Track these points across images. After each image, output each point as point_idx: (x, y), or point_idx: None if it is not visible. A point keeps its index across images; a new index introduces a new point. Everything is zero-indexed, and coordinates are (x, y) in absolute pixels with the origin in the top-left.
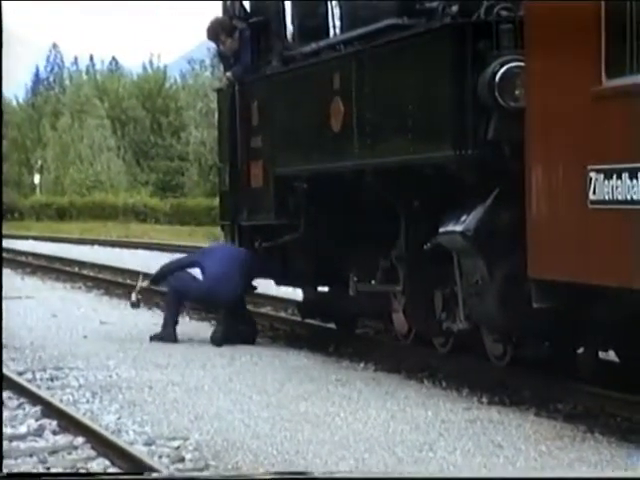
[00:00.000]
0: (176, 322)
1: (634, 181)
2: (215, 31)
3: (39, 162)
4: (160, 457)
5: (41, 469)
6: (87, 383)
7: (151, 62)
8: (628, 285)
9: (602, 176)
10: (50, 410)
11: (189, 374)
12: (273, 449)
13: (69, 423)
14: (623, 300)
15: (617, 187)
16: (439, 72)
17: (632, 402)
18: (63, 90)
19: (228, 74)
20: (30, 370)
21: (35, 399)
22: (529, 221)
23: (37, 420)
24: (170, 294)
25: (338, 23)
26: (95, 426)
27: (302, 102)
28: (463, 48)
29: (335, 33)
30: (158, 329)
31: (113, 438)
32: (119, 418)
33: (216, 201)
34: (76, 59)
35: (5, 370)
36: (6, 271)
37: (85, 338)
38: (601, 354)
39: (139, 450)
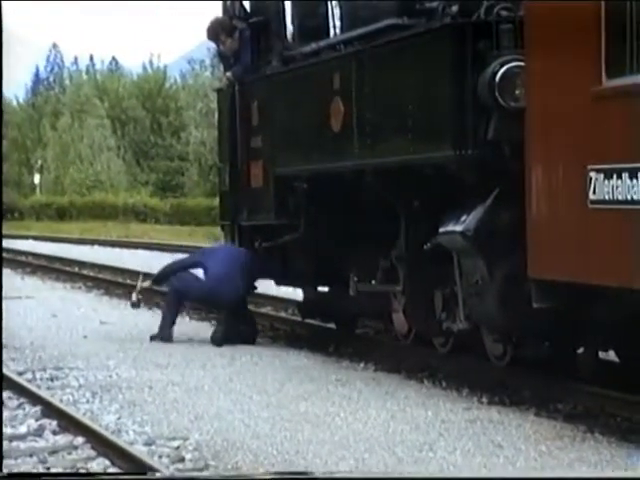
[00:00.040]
0: (173, 322)
1: (634, 181)
2: (215, 31)
3: (39, 162)
4: (160, 457)
5: (41, 469)
6: (87, 383)
7: (151, 62)
8: (628, 285)
9: (602, 176)
10: (50, 410)
11: (189, 374)
12: (273, 449)
13: (69, 423)
14: (623, 300)
15: (617, 187)
16: (439, 72)
17: (632, 402)
18: (63, 90)
19: (228, 74)
20: (30, 370)
21: (35, 399)
22: (529, 221)
23: (37, 420)
24: (171, 294)
25: (338, 23)
26: (95, 426)
27: (302, 102)
28: (463, 48)
29: (335, 33)
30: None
31: (113, 438)
32: (119, 418)
33: (216, 201)
34: (76, 59)
35: (5, 370)
36: (6, 271)
37: (85, 338)
38: (601, 354)
39: (139, 450)
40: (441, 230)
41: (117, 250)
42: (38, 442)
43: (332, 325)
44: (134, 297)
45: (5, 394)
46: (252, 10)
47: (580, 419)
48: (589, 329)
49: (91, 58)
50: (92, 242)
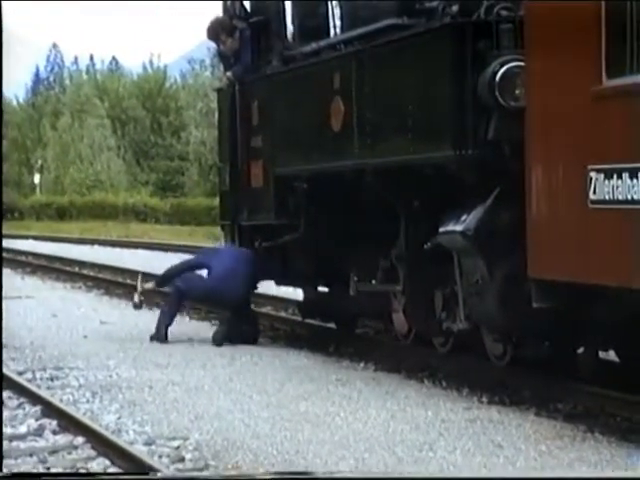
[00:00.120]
0: (170, 323)
1: (634, 181)
2: (215, 31)
3: (39, 162)
4: (160, 457)
5: (41, 469)
6: (87, 383)
7: (151, 62)
8: (628, 285)
9: (602, 176)
10: (50, 410)
11: (189, 374)
12: (273, 449)
13: (69, 423)
14: (623, 300)
15: (617, 187)
16: (439, 72)
17: (632, 402)
18: (63, 90)
19: (228, 74)
20: (30, 370)
21: (35, 399)
22: (529, 221)
23: (37, 420)
24: (172, 294)
25: (338, 23)
26: (95, 426)
27: (302, 102)
28: (463, 48)
29: (335, 33)
30: None
31: (113, 438)
32: (119, 418)
33: (216, 201)
34: (76, 59)
35: (5, 370)
36: (6, 271)
37: (85, 338)
38: (601, 354)
39: (139, 450)
40: (441, 230)
41: (117, 250)
42: (38, 442)
43: (332, 325)
44: (136, 298)
45: (5, 394)
46: (252, 10)
47: (580, 419)
48: (589, 329)
49: (91, 58)
50: (92, 242)
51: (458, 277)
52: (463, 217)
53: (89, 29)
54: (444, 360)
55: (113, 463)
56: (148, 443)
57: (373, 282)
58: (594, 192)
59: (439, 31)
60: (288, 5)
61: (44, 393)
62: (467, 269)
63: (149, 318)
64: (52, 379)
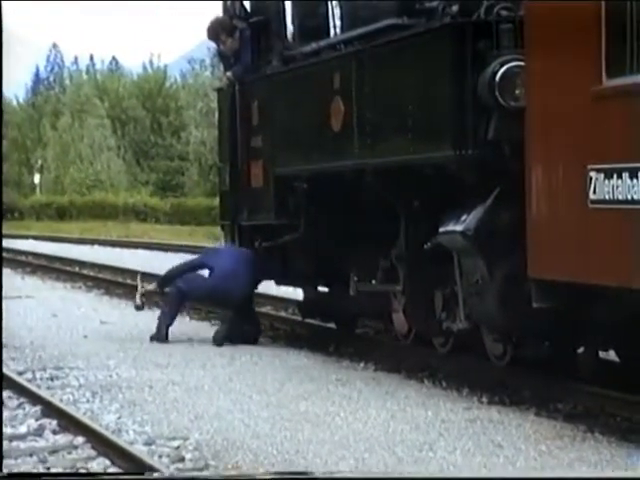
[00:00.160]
0: (171, 323)
1: (634, 181)
2: (215, 31)
3: (39, 162)
4: (160, 457)
5: (41, 469)
6: (87, 383)
7: (151, 62)
8: (628, 285)
9: (602, 176)
10: (50, 410)
11: (189, 374)
12: (273, 449)
13: (69, 423)
14: (623, 300)
15: (617, 187)
16: (439, 72)
17: (632, 402)
18: (63, 90)
19: (228, 74)
20: (30, 370)
21: (35, 399)
22: (529, 221)
23: (37, 420)
24: (173, 294)
25: (338, 23)
26: (95, 426)
27: (302, 102)
28: (463, 48)
29: (335, 33)
30: None
31: (113, 438)
32: (119, 418)
33: (216, 201)
34: (76, 59)
35: (5, 370)
36: (6, 271)
37: (85, 338)
38: (601, 354)
39: (139, 450)
40: (441, 230)
41: (117, 250)
42: (38, 442)
43: (332, 325)
44: (138, 300)
45: (5, 394)
46: (252, 10)
47: (580, 419)
48: (589, 329)
49: (91, 58)
50: (92, 242)
51: (458, 277)
52: (463, 217)
53: (89, 29)
54: (444, 360)
55: (113, 463)
56: (148, 443)
57: (373, 282)
58: (594, 192)
59: (439, 31)
60: (288, 5)
61: (44, 393)
62: (467, 269)
63: (149, 318)
64: (52, 379)
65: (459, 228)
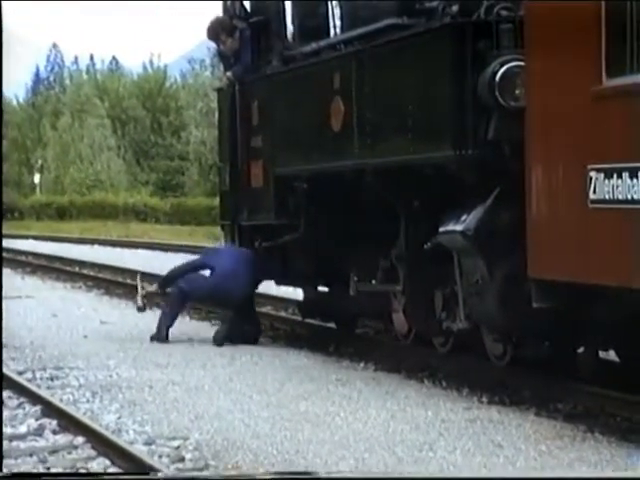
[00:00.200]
0: (172, 324)
1: (634, 180)
2: (215, 31)
3: (39, 162)
4: (160, 457)
5: (41, 469)
6: (87, 383)
7: (151, 62)
8: (627, 285)
9: (602, 175)
10: (50, 410)
11: (189, 374)
12: (273, 449)
13: (69, 423)
14: (623, 300)
15: (617, 186)
16: (439, 72)
17: (632, 402)
18: (63, 90)
19: (228, 74)
20: (30, 370)
21: (35, 399)
22: (529, 221)
23: (37, 420)
24: (174, 295)
25: (338, 23)
26: (95, 426)
27: (302, 102)
28: (463, 48)
29: (335, 33)
30: None
31: (113, 438)
32: (119, 418)
33: (216, 201)
34: (76, 59)
35: (5, 369)
36: (6, 271)
37: (85, 338)
38: (601, 354)
39: (139, 450)
40: (441, 230)
41: (117, 250)
42: (38, 442)
43: (332, 325)
44: (139, 301)
45: (5, 393)
46: (252, 10)
47: (580, 419)
48: (589, 329)
49: (91, 58)
50: (92, 242)
51: (458, 277)
52: (463, 217)
53: (89, 29)
54: (444, 360)
55: (113, 463)
56: (148, 443)
57: (373, 282)
58: (594, 192)
59: (439, 31)
60: (288, 5)
61: (44, 393)
62: (467, 269)
63: (149, 318)
64: (52, 379)
65: (459, 228)
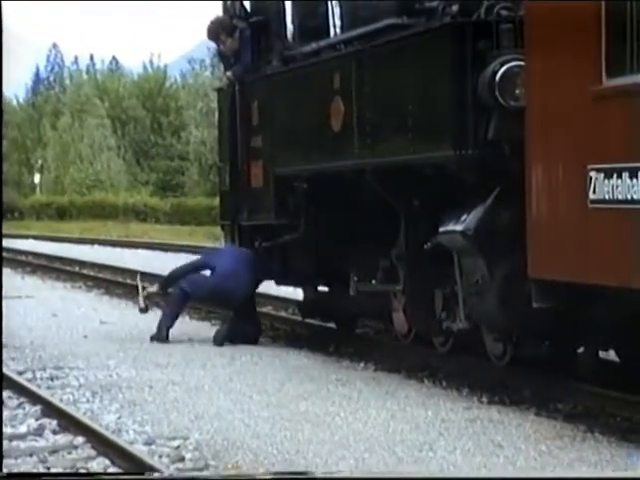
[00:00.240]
0: (172, 325)
1: (634, 180)
2: (215, 31)
3: (39, 162)
4: (160, 457)
5: (41, 469)
6: (87, 382)
7: (151, 62)
8: (627, 285)
9: (602, 175)
10: (50, 409)
11: (189, 374)
12: (273, 449)
13: (69, 422)
14: (623, 300)
15: (617, 186)
16: (439, 72)
17: (632, 402)
18: (63, 90)
19: (228, 74)
20: (30, 369)
21: (35, 398)
22: (529, 221)
23: (37, 419)
24: (175, 295)
25: (338, 23)
26: (95, 425)
27: (302, 102)
28: (463, 48)
29: (335, 33)
30: None
31: (113, 438)
32: (119, 417)
33: (216, 201)
34: (76, 59)
35: (5, 369)
36: (6, 270)
37: (85, 338)
38: (601, 354)
39: (139, 450)
40: (441, 229)
41: (117, 250)
42: (38, 442)
43: (332, 325)
44: (142, 303)
45: (5, 393)
46: (252, 10)
47: (580, 419)
48: (589, 329)
49: (91, 58)
50: (92, 242)
51: (458, 277)
52: (463, 217)
53: (89, 29)
54: (444, 360)
55: (113, 463)
56: (148, 443)
57: (373, 282)
58: (594, 192)
59: (439, 31)
60: (288, 5)
61: (44, 393)
62: (467, 269)
63: (149, 318)
64: (52, 379)
65: (459, 228)
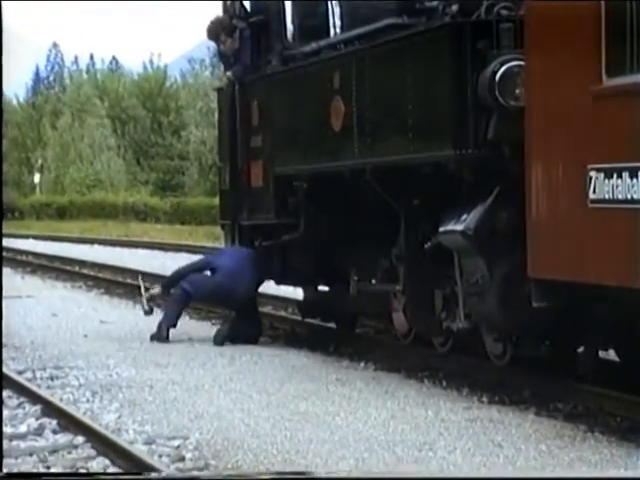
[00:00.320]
0: (174, 325)
1: (634, 180)
2: (215, 31)
3: (39, 161)
4: (160, 456)
5: (41, 468)
6: (87, 382)
7: (151, 61)
8: (628, 285)
9: (602, 175)
10: (50, 409)
11: (189, 373)
12: (273, 448)
13: (69, 422)
14: (623, 300)
15: (617, 186)
16: (439, 71)
17: (632, 402)
18: (63, 89)
19: (228, 73)
20: (30, 369)
21: (35, 398)
22: (529, 220)
23: (37, 419)
24: (177, 295)
25: (338, 22)
26: (95, 425)
27: (302, 101)
28: (463, 47)
29: (335, 32)
30: None
31: (113, 437)
32: (119, 417)
33: (216, 200)
34: (76, 58)
35: (5, 369)
36: (6, 270)
37: (85, 337)
38: (601, 353)
39: (139, 449)
40: (441, 229)
41: (117, 249)
42: (38, 441)
43: (332, 324)
44: (145, 305)
45: (5, 393)
46: (252, 10)
47: (580, 419)
48: (589, 328)
49: (91, 57)
50: (92, 241)
51: (458, 277)
52: (463, 217)
53: (89, 29)
54: (444, 360)
55: (113, 463)
56: (148, 442)
57: (373, 282)
58: (594, 191)
59: (439, 30)
60: (288, 5)
61: (44, 392)
62: (467, 269)
63: (149, 318)
64: (52, 378)
65: (459, 227)
